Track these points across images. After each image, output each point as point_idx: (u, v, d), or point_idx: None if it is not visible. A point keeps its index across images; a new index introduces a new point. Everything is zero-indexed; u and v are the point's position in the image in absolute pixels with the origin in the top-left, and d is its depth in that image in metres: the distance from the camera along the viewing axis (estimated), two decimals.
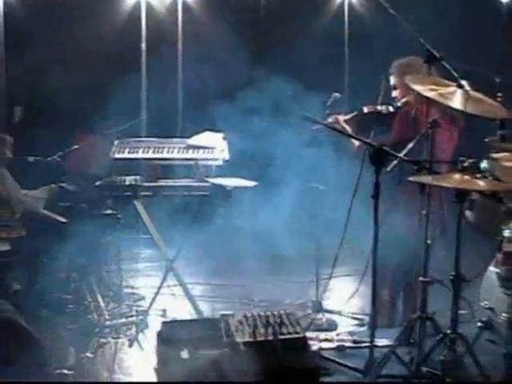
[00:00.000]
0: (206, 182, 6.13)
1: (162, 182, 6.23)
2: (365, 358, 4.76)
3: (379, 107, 5.77)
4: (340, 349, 5.12)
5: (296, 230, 8.04)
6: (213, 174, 6.25)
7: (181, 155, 6.31)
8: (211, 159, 6.26)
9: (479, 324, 4.85)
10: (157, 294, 6.28)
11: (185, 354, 4.17)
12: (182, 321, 5.13)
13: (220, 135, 6.46)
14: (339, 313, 6.73)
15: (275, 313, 4.52)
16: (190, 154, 6.31)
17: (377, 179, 4.28)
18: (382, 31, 9.12)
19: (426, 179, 4.07)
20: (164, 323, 4.59)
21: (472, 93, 4.35)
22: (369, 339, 5.02)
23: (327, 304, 6.90)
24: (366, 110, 5.79)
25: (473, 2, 10.35)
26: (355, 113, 5.80)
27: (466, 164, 4.05)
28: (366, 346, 4.92)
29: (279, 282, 7.80)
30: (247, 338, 4.23)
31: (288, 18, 10.51)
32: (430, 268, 5.03)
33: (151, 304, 6.28)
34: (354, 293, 6.15)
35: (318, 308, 6.68)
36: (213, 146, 6.32)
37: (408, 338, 4.78)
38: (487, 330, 4.84)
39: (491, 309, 4.82)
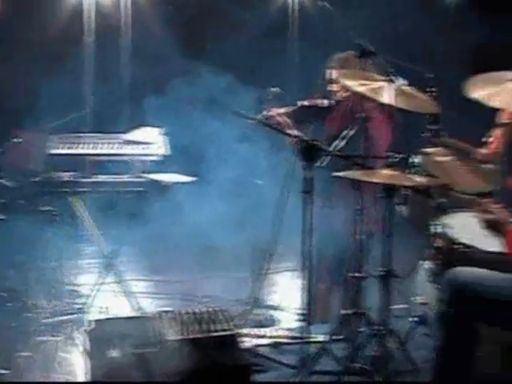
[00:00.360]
0: (143, 177, 6.08)
1: (100, 178, 6.16)
2: (300, 354, 4.76)
3: (318, 101, 5.75)
4: (275, 345, 5.08)
5: (236, 225, 8.03)
6: (150, 170, 6.19)
7: (118, 151, 6.24)
8: (149, 155, 6.20)
9: (413, 319, 4.86)
10: (97, 291, 6.22)
11: (115, 353, 4.13)
12: (114, 319, 5.05)
13: (157, 130, 6.39)
14: (279, 308, 6.72)
15: (209, 309, 4.50)
16: (128, 150, 6.23)
17: (308, 174, 4.26)
18: (328, 24, 9.07)
19: (355, 174, 4.05)
20: (96, 321, 4.52)
21: (403, 88, 4.35)
22: (306, 335, 5.04)
23: (269, 299, 6.90)
24: (305, 103, 5.77)
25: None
26: (294, 107, 5.78)
27: (395, 159, 4.04)
28: (300, 342, 4.91)
29: (220, 278, 7.76)
30: (179, 336, 4.19)
31: (233, 12, 10.38)
32: (369, 263, 5.04)
33: (92, 301, 6.23)
34: (289, 289, 6.08)
35: (258, 303, 6.66)
36: (150, 141, 6.26)
37: (346, 333, 4.75)
38: (422, 324, 4.85)
39: (425, 303, 4.83)
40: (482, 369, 3.85)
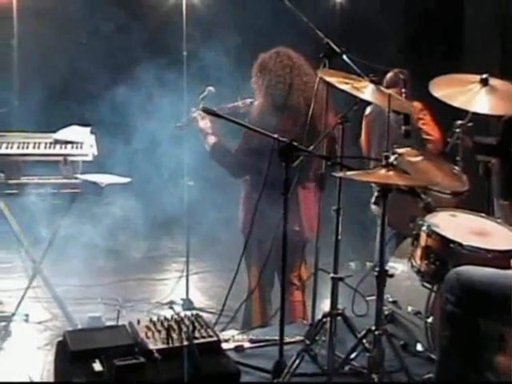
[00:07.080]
0: (76, 178, 5.79)
1: (27, 179, 5.81)
2: (267, 358, 4.66)
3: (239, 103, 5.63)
4: (239, 349, 4.95)
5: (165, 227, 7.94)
6: (80, 170, 5.92)
7: (48, 151, 5.88)
8: (80, 155, 5.89)
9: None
10: (22, 298, 5.95)
11: (98, 366, 3.89)
12: (83, 330, 4.77)
13: (87, 129, 6.11)
14: (205, 310, 6.65)
15: (182, 315, 4.34)
16: (58, 150, 5.90)
17: (287, 175, 4.17)
18: None
19: (352, 174, 4.00)
20: (67, 332, 4.23)
21: (382, 88, 4.36)
22: (265, 338, 4.97)
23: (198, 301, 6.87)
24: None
25: None
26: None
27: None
28: (269, 345, 4.84)
29: (142, 281, 7.62)
30: (161, 345, 4.01)
31: None
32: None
33: (16, 309, 5.95)
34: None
35: (189, 306, 6.56)
36: (81, 140, 5.97)
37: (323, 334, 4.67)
38: (390, 323, 4.86)
39: (394, 302, 4.85)
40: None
